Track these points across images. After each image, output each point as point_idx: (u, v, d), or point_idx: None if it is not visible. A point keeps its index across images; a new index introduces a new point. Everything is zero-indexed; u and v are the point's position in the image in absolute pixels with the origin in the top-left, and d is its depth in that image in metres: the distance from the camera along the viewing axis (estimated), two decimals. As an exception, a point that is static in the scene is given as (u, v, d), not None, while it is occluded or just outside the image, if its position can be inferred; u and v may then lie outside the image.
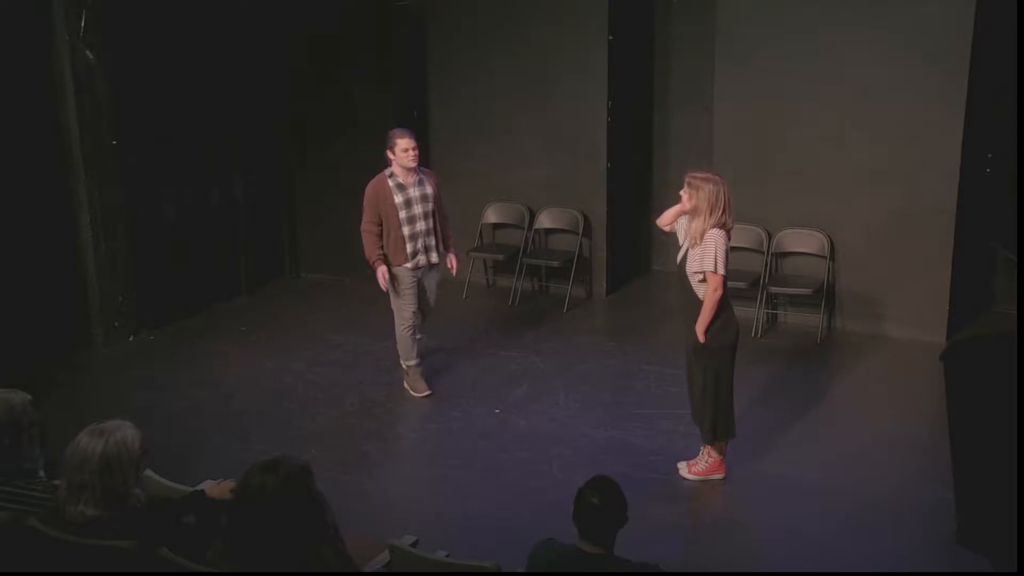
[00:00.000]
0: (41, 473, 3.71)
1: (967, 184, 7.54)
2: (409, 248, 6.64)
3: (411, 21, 8.93)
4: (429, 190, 6.69)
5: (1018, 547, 3.73)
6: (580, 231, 8.80)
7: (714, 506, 5.75)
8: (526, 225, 8.98)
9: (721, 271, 5.36)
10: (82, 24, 7.36)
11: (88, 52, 7.43)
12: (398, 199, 6.57)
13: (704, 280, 5.41)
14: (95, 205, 7.67)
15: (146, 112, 7.89)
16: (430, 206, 6.69)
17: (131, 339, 8.02)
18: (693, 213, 5.42)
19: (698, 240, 5.38)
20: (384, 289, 6.69)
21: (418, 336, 6.97)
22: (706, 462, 5.83)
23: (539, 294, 9.11)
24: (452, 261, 6.90)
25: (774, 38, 7.86)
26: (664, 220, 5.77)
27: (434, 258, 6.78)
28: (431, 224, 6.71)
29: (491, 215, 9.12)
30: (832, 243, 7.97)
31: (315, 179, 9.33)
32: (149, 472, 3.82)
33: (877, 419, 6.63)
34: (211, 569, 3.21)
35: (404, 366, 7.01)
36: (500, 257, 9.02)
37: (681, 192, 5.49)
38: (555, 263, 8.79)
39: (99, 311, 7.84)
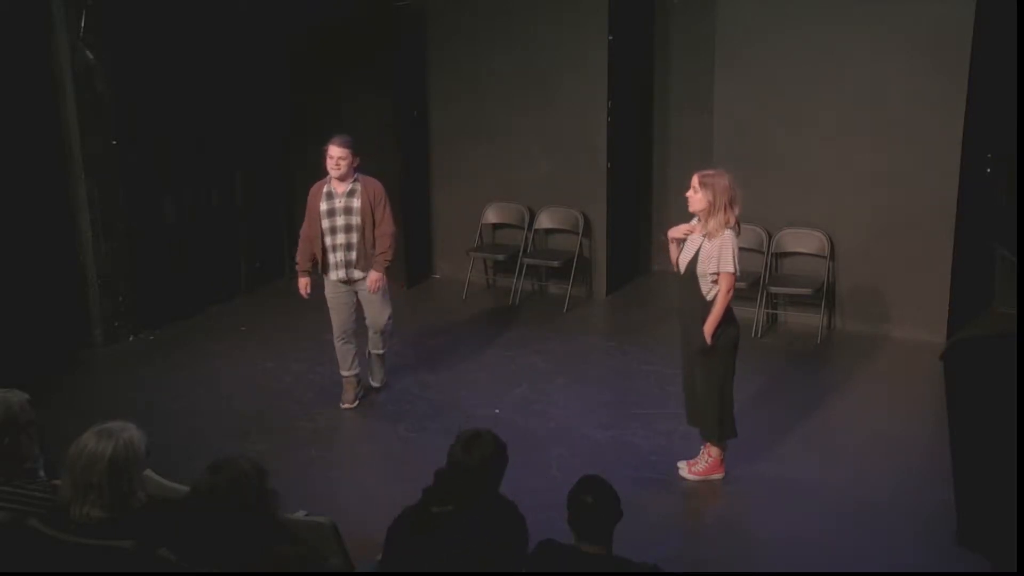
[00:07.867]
0: (41, 473, 3.70)
1: (967, 184, 7.54)
2: (331, 259, 6.44)
3: (411, 21, 8.93)
4: (356, 203, 6.35)
5: (1018, 547, 3.73)
6: (580, 231, 8.80)
7: (714, 506, 5.75)
8: (526, 225, 8.97)
9: (737, 272, 5.41)
10: (82, 24, 7.36)
11: (88, 52, 7.43)
12: (323, 206, 6.39)
13: (716, 281, 5.42)
14: (95, 205, 7.67)
15: (146, 112, 7.88)
16: (354, 220, 6.37)
17: (131, 339, 8.03)
18: (708, 211, 5.39)
19: (715, 236, 5.38)
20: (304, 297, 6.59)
21: (380, 351, 6.83)
22: (706, 462, 5.83)
23: (539, 294, 9.11)
24: (372, 278, 6.44)
25: (774, 38, 7.86)
26: (676, 232, 5.65)
27: (355, 275, 6.46)
28: (352, 239, 6.39)
29: (491, 215, 9.11)
30: (832, 243, 7.97)
31: (315, 179, 9.27)
32: (149, 472, 3.81)
33: (877, 419, 6.63)
34: (210, 569, 3.21)
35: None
36: (500, 257, 9.02)
37: (687, 194, 5.46)
38: (555, 263, 8.79)
39: (99, 311, 7.84)
